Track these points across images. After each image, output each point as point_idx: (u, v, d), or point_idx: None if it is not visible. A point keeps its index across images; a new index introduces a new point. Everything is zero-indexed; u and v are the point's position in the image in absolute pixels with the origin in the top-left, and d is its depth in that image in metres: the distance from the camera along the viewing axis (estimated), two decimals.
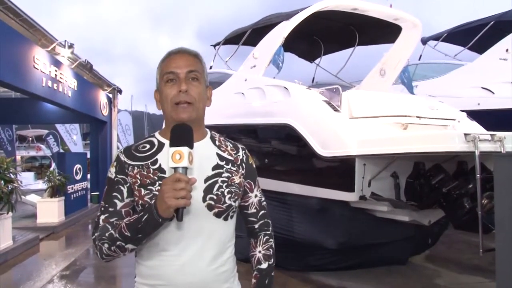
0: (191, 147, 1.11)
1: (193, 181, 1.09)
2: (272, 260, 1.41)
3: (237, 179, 1.30)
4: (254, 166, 1.42)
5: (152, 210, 1.10)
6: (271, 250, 1.42)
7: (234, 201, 1.29)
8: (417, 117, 4.53)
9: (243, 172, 1.34)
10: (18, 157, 19.02)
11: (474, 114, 5.23)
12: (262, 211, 1.42)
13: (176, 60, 1.26)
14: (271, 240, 1.43)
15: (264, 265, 1.39)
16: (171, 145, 1.11)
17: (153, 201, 1.13)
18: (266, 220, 1.44)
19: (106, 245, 1.17)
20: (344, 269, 4.86)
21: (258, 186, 1.42)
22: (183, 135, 1.12)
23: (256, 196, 1.40)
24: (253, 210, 1.40)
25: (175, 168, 1.08)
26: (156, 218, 1.10)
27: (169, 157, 1.09)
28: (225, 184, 1.27)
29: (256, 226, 1.42)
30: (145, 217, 1.11)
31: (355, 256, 4.82)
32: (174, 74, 1.25)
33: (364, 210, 4.42)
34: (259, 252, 1.40)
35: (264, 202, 1.44)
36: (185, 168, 1.08)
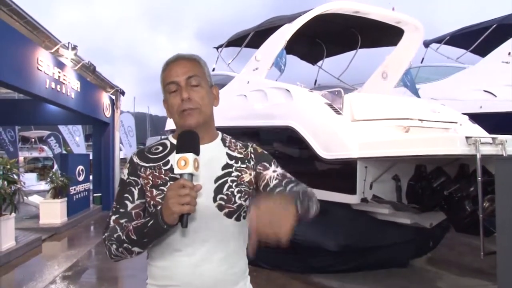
0: (197, 153, 1.11)
1: (198, 188, 1.09)
2: (307, 189, 1.21)
3: (247, 177, 1.30)
4: (265, 152, 1.37)
5: (158, 216, 1.11)
6: (301, 187, 1.21)
7: (245, 201, 1.28)
8: (419, 120, 4.54)
9: (253, 163, 1.33)
10: (20, 158, 19.08)
11: (476, 117, 5.24)
12: (287, 179, 1.28)
13: (174, 68, 1.27)
14: (303, 185, 1.25)
15: (295, 189, 1.19)
16: (177, 151, 1.11)
17: (159, 207, 1.13)
18: (295, 180, 1.28)
19: (114, 246, 1.19)
20: (345, 272, 4.86)
21: (278, 165, 1.33)
22: (189, 142, 1.13)
23: (274, 171, 1.30)
24: (275, 181, 1.27)
25: (181, 175, 1.09)
26: (161, 224, 1.11)
27: (174, 164, 1.09)
28: (235, 183, 1.27)
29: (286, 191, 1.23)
30: (151, 222, 1.13)
31: (356, 259, 4.82)
32: (174, 84, 1.26)
33: (366, 212, 4.44)
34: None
35: (289, 174, 1.31)
36: (191, 175, 1.09)
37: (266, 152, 1.38)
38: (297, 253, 4.83)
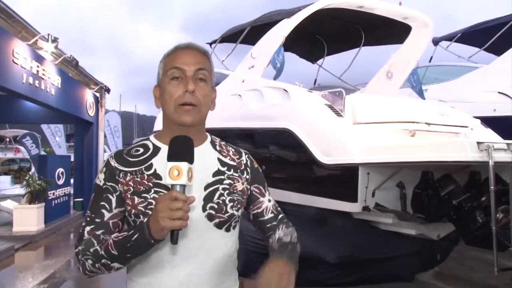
0: (191, 162, 1.08)
1: (192, 200, 1.07)
2: (290, 240, 1.27)
3: (239, 186, 1.28)
4: (260, 170, 1.40)
5: (144, 229, 1.07)
6: (290, 235, 1.29)
7: (237, 210, 1.26)
8: (426, 123, 4.54)
9: (247, 177, 1.32)
10: None
11: (489, 121, 5.23)
12: (281, 215, 1.37)
13: (184, 55, 1.24)
14: (293, 230, 1.33)
15: (285, 239, 1.27)
16: (169, 159, 1.07)
17: (145, 219, 1.10)
18: (287, 221, 1.37)
19: (90, 261, 1.15)
20: (345, 285, 4.84)
21: (269, 191, 1.39)
22: (182, 149, 1.09)
23: (269, 200, 1.37)
24: (271, 215, 1.35)
25: (172, 186, 1.06)
26: (147, 239, 1.07)
27: (166, 173, 1.06)
28: (227, 191, 1.25)
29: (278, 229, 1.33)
30: (136, 236, 1.08)
31: (358, 271, 4.80)
32: (180, 71, 1.22)
33: (368, 222, 4.42)
34: (278, 234, 1.30)
35: (279, 209, 1.40)
36: (183, 186, 1.06)
37: (261, 170, 1.41)
38: None
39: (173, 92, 1.22)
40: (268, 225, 1.34)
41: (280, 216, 1.37)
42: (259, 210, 1.34)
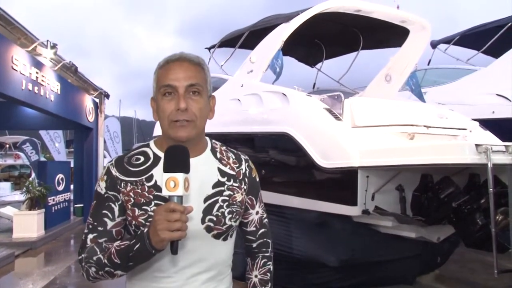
0: (187, 171, 1.08)
1: (189, 210, 1.07)
2: (270, 285, 1.41)
3: (239, 197, 1.29)
4: (257, 179, 1.41)
5: (145, 240, 1.08)
6: (268, 274, 1.41)
7: (235, 221, 1.28)
8: (424, 126, 4.55)
9: (245, 187, 1.33)
10: None
11: (488, 123, 5.25)
12: (262, 230, 1.42)
13: (175, 70, 1.20)
14: (269, 263, 1.43)
15: None
16: (165, 170, 1.07)
17: (145, 229, 1.10)
18: (265, 239, 1.43)
19: (93, 269, 1.16)
20: None
21: (261, 202, 1.41)
22: (178, 159, 1.08)
23: (257, 213, 1.39)
24: (253, 228, 1.40)
25: (170, 197, 1.06)
26: (148, 249, 1.08)
27: (162, 184, 1.06)
28: (226, 203, 1.25)
29: (254, 245, 1.41)
30: (137, 246, 1.09)
31: (358, 274, 4.81)
32: (172, 88, 1.19)
33: (368, 225, 4.43)
34: (255, 276, 1.40)
35: (266, 220, 1.43)
36: (181, 197, 1.06)
37: (258, 179, 1.41)
38: (294, 268, 4.80)
39: (166, 108, 1.20)
40: (247, 236, 1.41)
41: (261, 231, 1.41)
42: (244, 221, 1.39)
